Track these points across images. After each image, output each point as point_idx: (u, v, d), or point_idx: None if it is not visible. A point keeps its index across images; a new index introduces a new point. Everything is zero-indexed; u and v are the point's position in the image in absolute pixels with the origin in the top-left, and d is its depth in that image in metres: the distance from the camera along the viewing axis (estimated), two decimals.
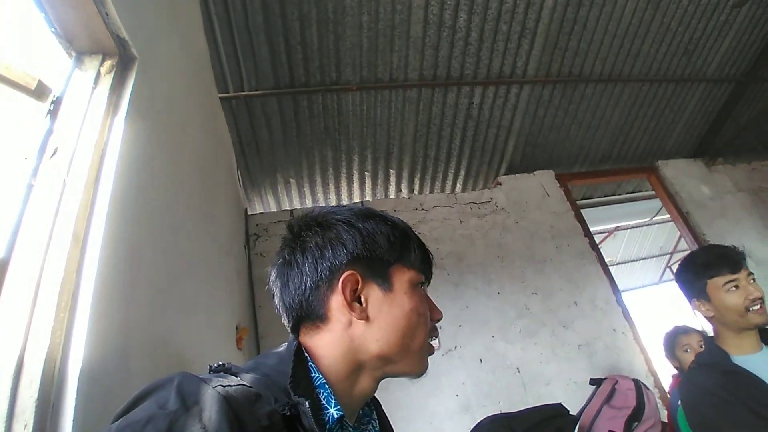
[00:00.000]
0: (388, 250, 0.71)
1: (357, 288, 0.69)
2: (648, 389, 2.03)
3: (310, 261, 0.70)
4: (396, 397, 2.64)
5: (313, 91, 2.91)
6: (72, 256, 0.80)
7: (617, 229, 6.58)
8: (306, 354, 0.67)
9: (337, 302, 0.68)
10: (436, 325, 0.77)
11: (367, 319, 0.68)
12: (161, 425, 0.44)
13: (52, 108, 0.93)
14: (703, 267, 1.40)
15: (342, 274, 0.68)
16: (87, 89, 1.01)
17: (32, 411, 0.67)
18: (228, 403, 0.48)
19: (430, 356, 0.75)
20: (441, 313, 0.76)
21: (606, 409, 1.95)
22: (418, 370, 0.72)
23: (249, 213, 3.11)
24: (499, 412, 1.99)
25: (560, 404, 1.92)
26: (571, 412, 1.95)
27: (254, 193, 3.41)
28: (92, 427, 0.73)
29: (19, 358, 0.69)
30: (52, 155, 0.88)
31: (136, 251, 1.03)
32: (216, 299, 1.77)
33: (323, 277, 0.69)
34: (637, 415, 1.88)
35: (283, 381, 0.59)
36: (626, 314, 3.23)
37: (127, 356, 0.91)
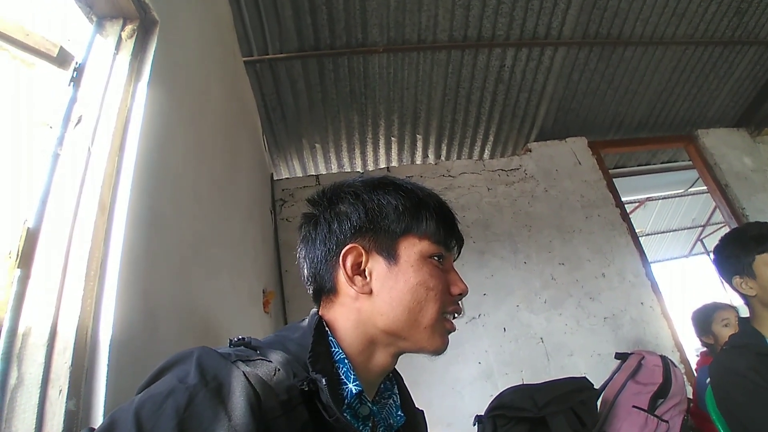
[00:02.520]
0: (395, 221, 0.69)
1: (361, 261, 0.68)
2: (675, 366, 1.98)
3: (321, 236, 0.71)
4: (419, 362, 2.66)
5: (339, 53, 2.83)
6: (99, 225, 0.81)
7: (648, 199, 6.38)
8: (327, 328, 0.67)
9: (343, 276, 0.68)
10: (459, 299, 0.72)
11: (370, 292, 0.67)
12: (181, 399, 0.45)
13: (75, 75, 0.91)
14: (754, 241, 1.30)
15: (345, 247, 0.68)
16: (109, 55, 0.99)
17: (66, 377, 0.69)
18: (246, 378, 0.49)
19: (452, 333, 0.71)
20: (463, 287, 0.71)
21: (631, 384, 1.93)
22: (430, 347, 0.68)
23: (275, 178, 3.12)
24: (522, 383, 1.99)
25: (584, 378, 1.90)
26: (594, 386, 1.93)
27: (280, 158, 3.40)
28: (124, 391, 0.75)
29: (52, 326, 0.70)
30: (77, 124, 0.87)
31: (160, 219, 1.03)
32: (241, 264, 1.79)
33: (331, 250, 0.70)
34: (662, 392, 1.85)
35: (304, 355, 0.59)
36: (655, 288, 3.16)
37: (154, 323, 0.93)
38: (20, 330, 0.69)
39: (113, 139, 0.90)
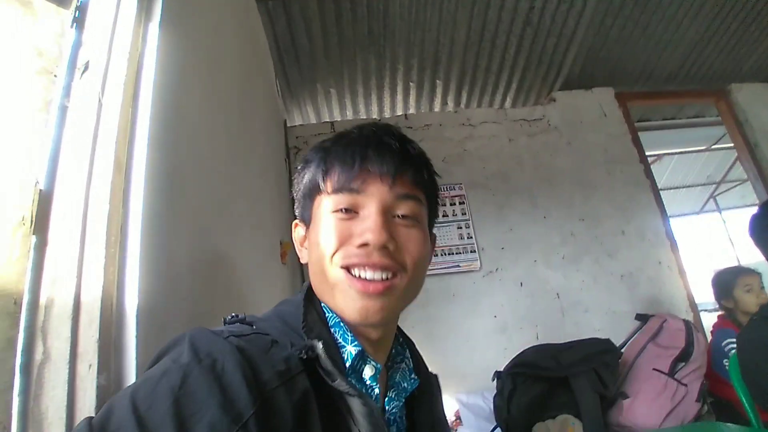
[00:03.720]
0: (305, 184, 0.67)
1: (304, 234, 0.69)
2: (698, 331, 1.95)
3: None
4: (435, 313, 2.69)
5: None
6: (116, 185, 0.72)
7: (666, 154, 6.18)
8: (316, 292, 0.65)
9: None
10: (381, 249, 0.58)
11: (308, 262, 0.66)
12: (175, 378, 0.44)
13: (77, 15, 0.80)
14: None
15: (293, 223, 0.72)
16: None
17: (95, 351, 0.64)
18: (240, 351, 0.47)
19: (374, 294, 0.57)
20: (368, 237, 0.57)
21: (651, 346, 1.90)
22: (344, 314, 0.59)
23: (288, 125, 3.00)
24: (546, 343, 1.97)
25: (608, 340, 1.88)
26: (618, 348, 1.91)
27: (293, 104, 3.26)
28: None
29: (75, 298, 0.64)
30: (84, 71, 0.76)
31: (178, 176, 0.95)
32: (259, 216, 1.73)
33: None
34: (684, 356, 1.83)
35: (299, 325, 0.58)
36: (674, 247, 3.10)
37: (179, 288, 0.88)
38: (42, 302, 0.64)
39: (125, 88, 0.80)
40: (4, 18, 0.71)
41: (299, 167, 0.69)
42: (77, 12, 0.81)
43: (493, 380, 1.90)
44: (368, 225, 0.58)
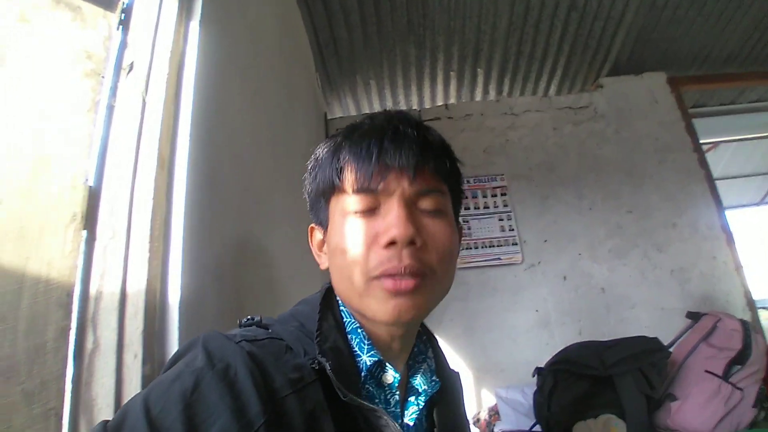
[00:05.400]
0: (314, 184, 0.64)
1: (322, 238, 0.66)
2: (757, 332, 1.83)
3: None
4: (475, 307, 2.66)
5: None
6: (159, 181, 0.75)
7: (722, 141, 5.81)
8: (338, 297, 0.63)
9: None
10: (400, 246, 0.54)
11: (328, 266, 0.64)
12: (188, 382, 0.44)
13: (122, 18, 0.83)
14: None
15: (309, 227, 0.70)
16: None
17: (140, 342, 0.67)
18: (251, 358, 0.47)
19: (405, 291, 0.54)
20: (393, 233, 0.54)
21: (704, 346, 1.80)
22: (375, 316, 0.56)
23: (328, 117, 3.02)
24: (590, 339, 1.91)
25: (656, 339, 1.79)
26: (667, 348, 1.82)
27: (333, 96, 3.28)
28: None
29: (121, 290, 0.67)
30: (129, 71, 0.79)
31: (220, 171, 0.97)
32: (299, 210, 1.75)
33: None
34: (740, 358, 1.71)
35: (315, 330, 0.57)
36: (730, 242, 2.91)
37: (220, 280, 0.90)
38: (92, 293, 0.67)
39: (168, 86, 0.83)
40: (56, 23, 0.74)
41: (309, 165, 0.66)
42: (123, 15, 0.85)
43: (534, 376, 1.86)
44: (392, 220, 0.55)
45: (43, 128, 0.67)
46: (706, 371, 1.72)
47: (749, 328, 1.81)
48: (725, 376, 1.70)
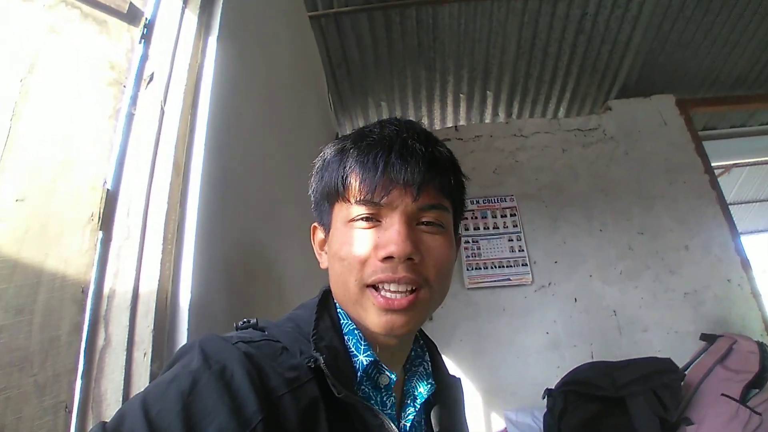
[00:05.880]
0: (320, 185, 0.65)
1: (324, 238, 0.67)
2: None
3: None
4: (484, 327, 2.63)
5: (407, 4, 2.66)
6: (174, 186, 0.78)
7: (735, 165, 5.77)
8: (335, 300, 0.64)
9: None
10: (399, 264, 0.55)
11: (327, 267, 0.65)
12: (184, 383, 0.44)
13: (145, 32, 0.88)
14: None
15: (311, 226, 0.70)
16: (177, 10, 0.94)
17: (149, 340, 0.68)
18: (247, 358, 0.48)
19: (395, 310, 0.55)
20: (391, 249, 0.54)
21: (720, 369, 1.76)
22: (370, 326, 0.57)
23: (340, 137, 3.07)
24: (591, 357, 1.88)
25: (669, 359, 1.76)
26: (679, 368, 1.79)
27: (345, 116, 3.34)
28: None
29: (134, 290, 0.69)
30: (149, 82, 0.83)
31: (233, 179, 1.00)
32: (307, 221, 1.77)
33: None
34: (758, 382, 1.67)
35: (311, 331, 0.57)
36: (745, 264, 2.86)
37: (230, 284, 0.91)
38: (105, 292, 0.69)
39: (185, 97, 0.87)
40: (84, 35, 0.78)
41: (317, 165, 0.67)
42: (145, 29, 0.89)
43: (544, 398, 1.83)
44: (392, 236, 0.55)
45: (67, 132, 0.70)
46: (723, 394, 1.68)
47: (766, 349, 1.77)
48: (743, 400, 1.66)
